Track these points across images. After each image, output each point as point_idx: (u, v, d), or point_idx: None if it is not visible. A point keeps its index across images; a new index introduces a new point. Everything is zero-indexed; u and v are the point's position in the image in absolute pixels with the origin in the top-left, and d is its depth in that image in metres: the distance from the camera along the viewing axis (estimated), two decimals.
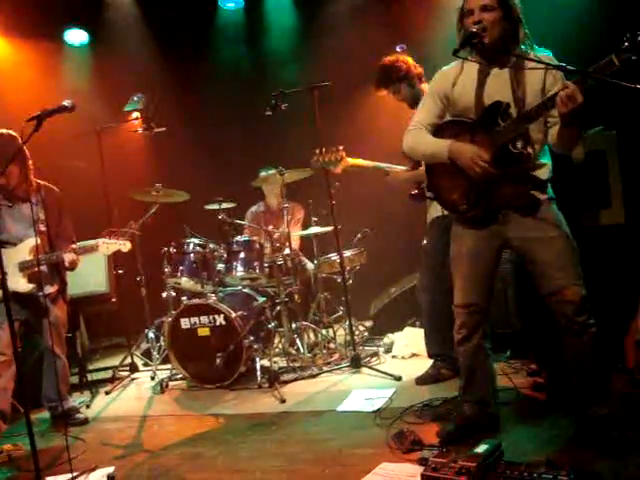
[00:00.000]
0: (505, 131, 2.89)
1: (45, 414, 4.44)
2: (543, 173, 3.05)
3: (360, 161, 4.61)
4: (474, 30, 2.89)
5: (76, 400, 4.74)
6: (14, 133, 4.13)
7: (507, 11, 2.94)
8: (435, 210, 4.25)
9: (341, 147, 4.59)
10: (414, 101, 4.31)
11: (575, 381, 3.10)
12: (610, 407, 3.01)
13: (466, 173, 3.01)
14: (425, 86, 4.26)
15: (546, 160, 3.07)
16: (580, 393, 3.08)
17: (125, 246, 4.30)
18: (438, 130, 3.17)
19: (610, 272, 3.97)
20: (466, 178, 3.03)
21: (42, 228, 4.25)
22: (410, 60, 4.37)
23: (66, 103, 3.38)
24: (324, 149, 4.59)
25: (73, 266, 4.26)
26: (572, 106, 2.61)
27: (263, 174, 5.88)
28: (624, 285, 3.87)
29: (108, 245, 4.24)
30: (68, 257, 4.18)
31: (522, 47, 2.99)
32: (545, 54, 2.99)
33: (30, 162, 4.31)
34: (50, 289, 4.26)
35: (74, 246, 4.25)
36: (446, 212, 4.00)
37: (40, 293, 4.18)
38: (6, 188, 4.23)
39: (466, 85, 3.08)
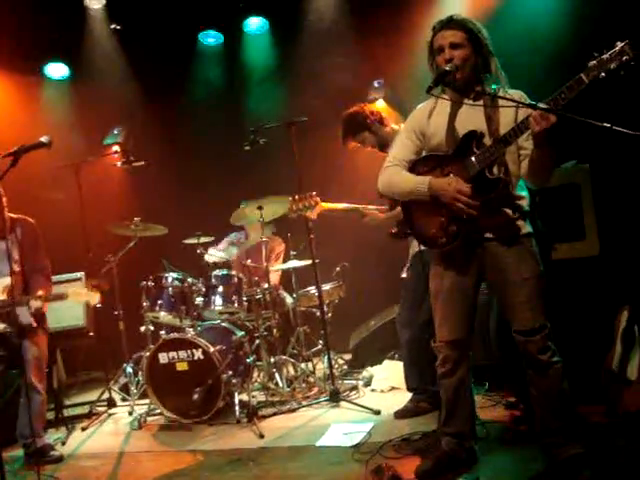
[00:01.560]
0: (482, 157, 2.92)
1: (18, 452, 4.35)
2: (523, 204, 3.09)
3: (334, 205, 4.65)
4: (446, 69, 2.95)
5: (51, 437, 4.65)
6: None
7: (477, 46, 3.00)
8: (415, 246, 4.29)
9: (314, 193, 4.63)
10: (381, 145, 4.40)
11: (541, 419, 3.11)
12: (582, 444, 3.01)
13: (443, 207, 3.04)
14: (393, 127, 4.35)
15: (524, 193, 3.11)
16: (547, 432, 3.08)
17: (93, 298, 4.25)
18: (414, 165, 3.19)
19: (585, 304, 4.01)
20: (444, 212, 3.06)
21: (16, 268, 4.22)
22: (369, 108, 4.46)
23: (43, 139, 3.38)
24: (297, 197, 4.63)
25: (36, 314, 4.22)
26: (545, 124, 2.63)
27: (243, 206, 5.90)
28: (599, 316, 3.91)
29: (78, 295, 4.20)
30: (34, 304, 4.13)
31: (493, 84, 3.05)
32: (518, 92, 3.05)
33: (4, 199, 4.30)
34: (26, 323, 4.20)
35: (41, 293, 4.18)
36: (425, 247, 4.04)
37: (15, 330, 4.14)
38: None
39: (441, 119, 3.12)
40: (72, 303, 5.39)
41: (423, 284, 3.98)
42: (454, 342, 3.19)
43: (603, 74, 2.51)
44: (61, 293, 4.20)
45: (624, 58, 2.48)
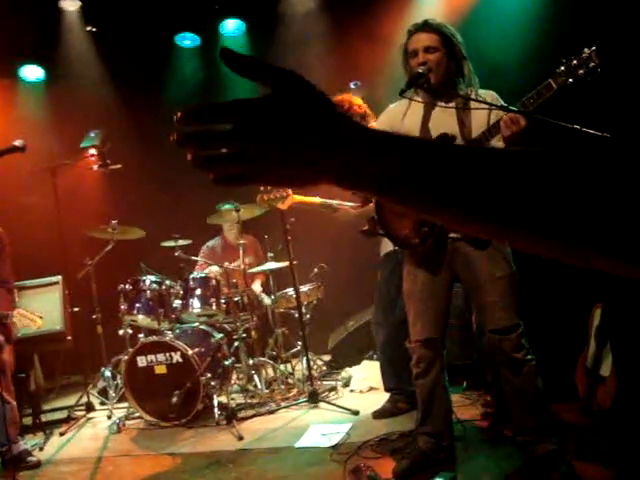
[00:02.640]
0: None
1: None
2: None
3: (306, 198, 4.64)
4: (420, 71, 2.97)
5: (29, 442, 4.61)
6: None
7: (451, 50, 3.04)
8: (387, 245, 4.31)
9: None
10: None
11: (516, 417, 3.16)
12: (557, 441, 3.06)
13: None
14: (373, 125, 4.33)
15: None
16: (522, 429, 3.12)
17: (36, 323, 4.19)
18: None
19: (559, 302, 4.06)
20: None
21: None
22: (355, 100, 4.44)
23: (17, 143, 3.37)
24: (269, 187, 4.60)
25: None
26: (515, 128, 2.69)
27: (222, 208, 5.91)
28: (573, 314, 3.97)
29: (21, 318, 4.14)
30: None
31: (466, 85, 3.08)
32: (490, 93, 3.08)
33: None
34: None
35: None
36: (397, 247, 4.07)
37: None
38: None
39: (414, 120, 3.16)
40: (51, 308, 5.39)
41: (395, 284, 4.02)
42: (427, 341, 3.23)
43: (571, 80, 2.56)
44: (6, 314, 4.14)
45: (591, 65, 2.53)
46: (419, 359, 3.28)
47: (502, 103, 3.00)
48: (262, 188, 4.57)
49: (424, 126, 3.11)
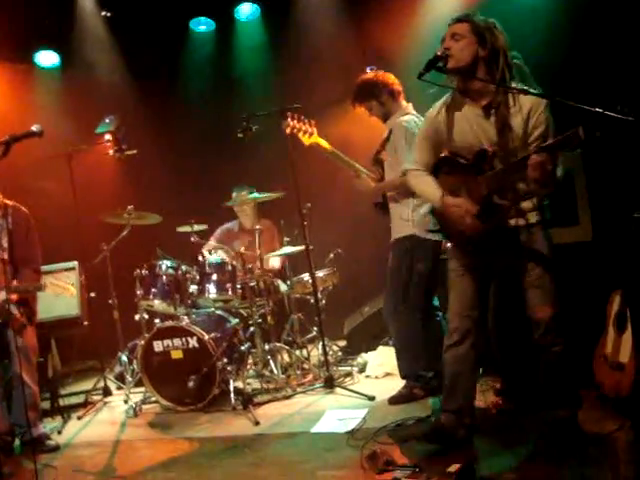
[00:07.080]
0: (490, 181, 3.01)
1: (14, 441, 4.35)
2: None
3: (329, 146, 4.59)
4: (438, 54, 2.98)
5: (47, 426, 4.64)
6: None
7: (481, 39, 3.02)
8: (396, 231, 4.32)
9: (314, 122, 4.60)
10: (385, 117, 4.39)
11: (543, 395, 3.24)
12: (572, 410, 3.17)
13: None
14: (403, 103, 4.38)
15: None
16: (547, 404, 3.21)
17: (68, 291, 4.21)
18: (438, 167, 3.29)
19: (578, 289, 4.03)
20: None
21: (4, 256, 4.18)
22: (383, 77, 4.40)
23: (34, 128, 3.37)
24: (296, 115, 4.59)
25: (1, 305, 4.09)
26: (541, 172, 2.73)
27: (235, 193, 5.90)
28: (592, 302, 3.93)
29: (53, 288, 4.18)
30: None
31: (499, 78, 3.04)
32: (531, 98, 3.02)
33: None
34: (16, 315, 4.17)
35: (16, 284, 4.12)
36: (408, 233, 4.10)
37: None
38: None
39: (456, 122, 3.17)
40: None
41: (405, 270, 4.02)
42: (465, 312, 3.29)
43: (599, 134, 2.55)
44: (36, 285, 4.14)
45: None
46: (454, 330, 3.34)
47: (547, 114, 3.01)
48: (289, 113, 4.55)
49: (465, 129, 3.14)
